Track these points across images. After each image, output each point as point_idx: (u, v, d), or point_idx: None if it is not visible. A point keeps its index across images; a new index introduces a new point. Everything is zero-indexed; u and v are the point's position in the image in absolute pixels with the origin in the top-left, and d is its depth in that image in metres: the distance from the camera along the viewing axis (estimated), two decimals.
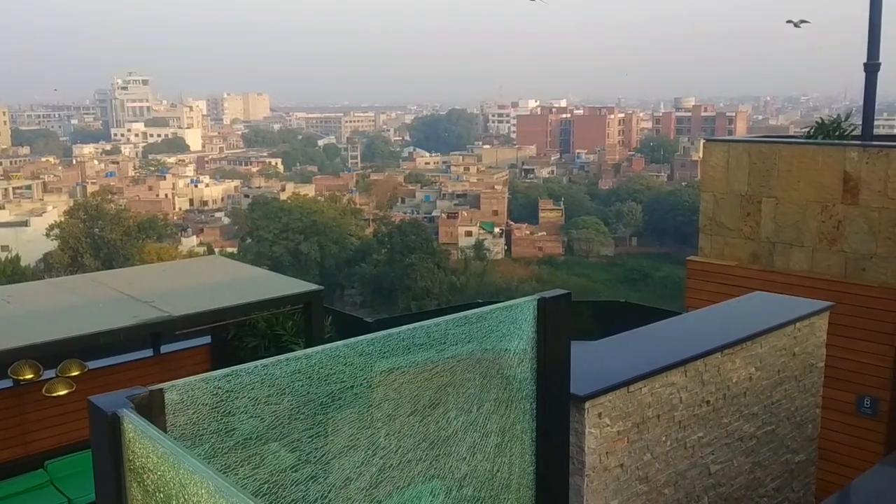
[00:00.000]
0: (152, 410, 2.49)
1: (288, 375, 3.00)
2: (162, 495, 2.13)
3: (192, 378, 2.67)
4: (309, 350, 3.14)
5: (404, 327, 3.48)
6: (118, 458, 2.34)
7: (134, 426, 2.28)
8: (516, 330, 3.94)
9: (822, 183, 10.32)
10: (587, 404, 4.47)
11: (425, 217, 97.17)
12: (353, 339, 3.30)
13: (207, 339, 10.31)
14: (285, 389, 2.99)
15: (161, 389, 2.54)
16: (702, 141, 15.07)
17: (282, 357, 3.03)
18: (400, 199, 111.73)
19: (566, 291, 4.14)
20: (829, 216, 10.28)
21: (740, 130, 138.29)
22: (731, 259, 11.35)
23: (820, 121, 11.79)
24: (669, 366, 4.96)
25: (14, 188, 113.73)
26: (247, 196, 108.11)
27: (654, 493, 4.94)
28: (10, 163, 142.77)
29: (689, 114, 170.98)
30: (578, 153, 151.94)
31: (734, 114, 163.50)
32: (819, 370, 6.45)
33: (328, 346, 3.21)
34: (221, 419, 2.72)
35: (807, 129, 12.24)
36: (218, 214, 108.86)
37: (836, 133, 11.37)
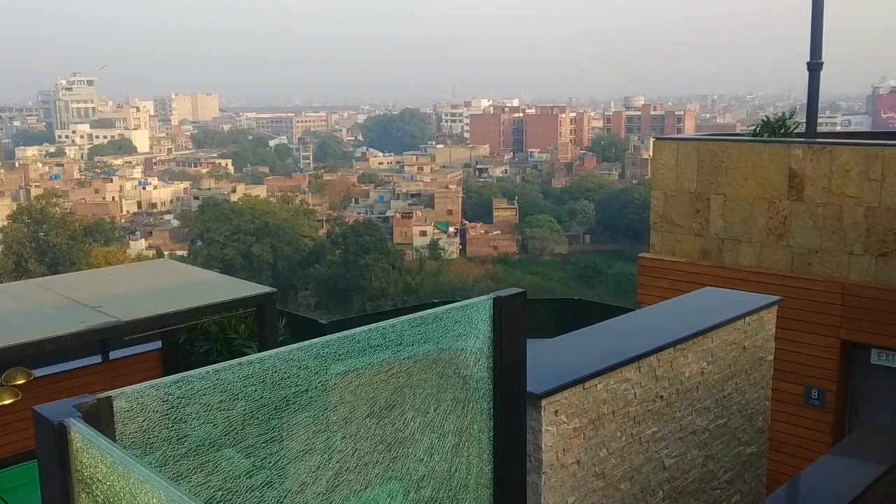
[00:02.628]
0: (100, 419, 2.42)
1: (241, 380, 2.95)
2: None
3: (141, 385, 2.60)
4: (262, 354, 3.09)
5: (359, 329, 3.44)
6: (65, 468, 2.27)
7: (81, 435, 2.21)
8: (472, 329, 3.93)
9: (768, 180, 10.54)
10: (543, 402, 4.49)
11: (379, 217, 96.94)
12: (307, 342, 3.25)
13: (158, 345, 10.13)
14: (238, 394, 2.93)
15: (109, 397, 2.47)
16: (652, 139, 15.27)
17: (234, 362, 2.97)
18: (353, 200, 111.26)
19: (522, 290, 4.14)
20: (776, 212, 10.51)
21: (689, 129, 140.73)
22: (682, 255, 11.53)
23: (766, 119, 12.04)
24: (624, 362, 5.01)
25: None
26: (196, 198, 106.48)
27: (610, 489, 4.98)
28: None
29: (639, 113, 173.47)
30: (531, 152, 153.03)
31: (682, 113, 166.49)
32: (769, 363, 6.58)
33: (282, 349, 3.16)
34: (173, 426, 2.66)
35: (753, 127, 12.49)
36: (167, 217, 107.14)
37: (782, 131, 11.63)
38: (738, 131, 26.30)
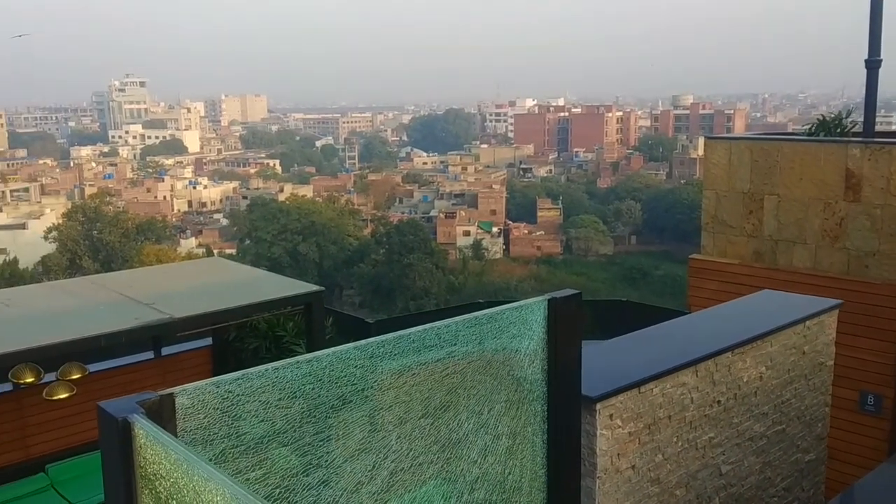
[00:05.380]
0: (163, 415, 2.43)
1: (298, 379, 2.95)
2: (175, 502, 2.08)
3: (202, 382, 2.62)
4: (319, 353, 3.09)
5: (415, 329, 3.42)
6: (129, 464, 2.29)
7: (145, 432, 2.22)
8: (527, 330, 3.88)
9: (824, 180, 10.28)
10: (598, 405, 4.42)
11: (423, 217, 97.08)
12: (363, 342, 3.24)
13: (208, 341, 10.25)
14: (295, 393, 2.93)
15: (172, 394, 2.49)
16: (702, 138, 15.05)
17: (292, 360, 2.97)
18: (398, 200, 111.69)
19: (577, 291, 4.09)
20: (832, 213, 10.25)
21: (738, 128, 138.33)
22: (734, 257, 11.31)
23: (821, 118, 11.76)
24: (680, 366, 4.91)
25: (11, 191, 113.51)
26: (245, 197, 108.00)
27: (665, 495, 4.89)
28: (7, 165, 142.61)
29: (688, 111, 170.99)
30: (576, 152, 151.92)
31: (732, 111, 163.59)
32: (828, 368, 6.41)
33: (338, 348, 3.15)
34: (232, 423, 2.66)
35: (806, 127, 12.21)
36: (216, 216, 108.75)
37: (838, 130, 11.35)
38: (790, 130, 25.77)
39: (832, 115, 11.77)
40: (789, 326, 5.82)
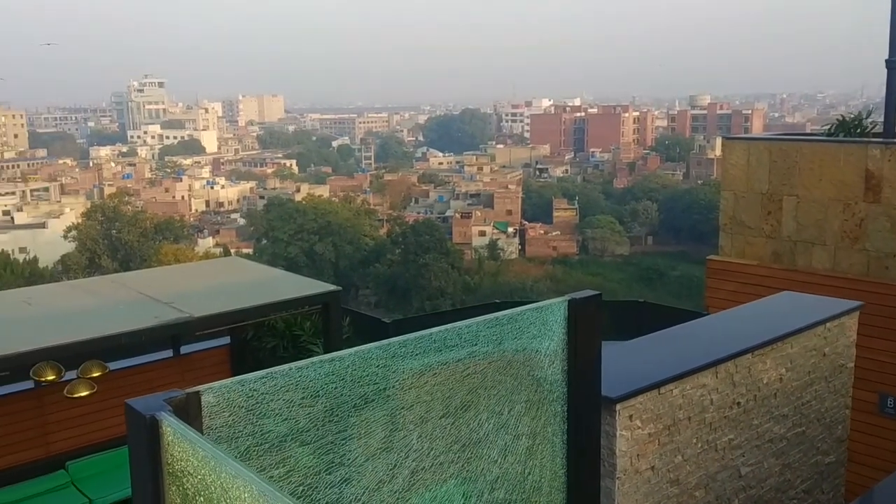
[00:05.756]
0: (189, 413, 2.46)
1: (321, 378, 2.97)
2: (202, 499, 2.10)
3: (227, 380, 2.64)
4: (341, 352, 3.11)
5: (436, 329, 3.44)
6: (156, 461, 2.31)
7: (173, 429, 2.25)
8: (547, 331, 3.89)
9: (843, 181, 10.21)
10: (618, 406, 4.42)
11: (439, 217, 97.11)
12: (384, 341, 3.26)
13: (226, 340, 10.30)
14: (318, 391, 2.95)
15: (198, 392, 2.52)
16: (719, 139, 14.97)
17: (314, 359, 3.00)
18: (413, 200, 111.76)
19: (596, 292, 4.09)
20: (852, 214, 10.18)
21: (756, 128, 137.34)
22: (752, 258, 11.25)
23: (841, 118, 11.68)
24: (700, 367, 4.90)
25: (32, 190, 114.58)
26: (262, 197, 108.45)
27: (685, 496, 4.88)
28: (28, 165, 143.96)
29: (705, 112, 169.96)
30: (593, 152, 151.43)
31: (750, 111, 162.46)
32: (849, 371, 6.37)
33: (360, 347, 3.18)
34: (257, 422, 2.69)
35: (826, 127, 12.13)
36: (234, 216, 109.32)
37: (858, 130, 11.27)
38: (808, 131, 25.60)
39: (852, 116, 11.69)
40: (810, 328, 5.79)
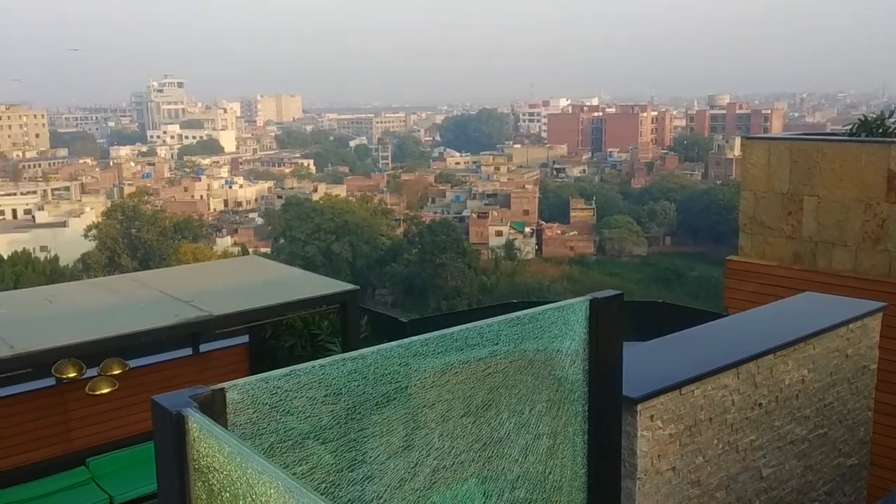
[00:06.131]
0: (214, 409, 2.48)
1: (343, 376, 2.98)
2: (228, 495, 2.12)
3: (251, 378, 2.66)
4: (363, 350, 3.12)
5: (457, 328, 3.44)
6: (182, 457, 2.33)
7: (199, 425, 2.26)
8: (568, 331, 3.89)
9: (865, 181, 10.11)
10: (639, 406, 4.40)
11: (456, 217, 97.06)
12: (406, 340, 3.27)
13: (245, 339, 10.35)
14: (341, 389, 2.97)
15: (223, 388, 2.53)
16: (739, 139, 14.87)
17: (337, 357, 3.01)
18: (430, 199, 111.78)
19: (618, 292, 4.08)
20: (873, 215, 10.08)
21: (776, 128, 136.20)
22: (772, 259, 11.16)
23: (863, 118, 11.56)
24: (722, 368, 4.87)
25: (53, 190, 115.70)
26: (280, 197, 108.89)
27: (705, 497, 4.85)
28: (49, 165, 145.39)
29: (724, 111, 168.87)
30: (610, 152, 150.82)
31: (770, 111, 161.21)
32: (871, 372, 6.31)
33: (382, 346, 3.19)
34: (280, 419, 2.71)
35: (847, 127, 12.01)
36: (252, 215, 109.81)
37: (880, 130, 11.14)
38: (828, 131, 25.36)
39: (874, 115, 11.56)
40: (832, 329, 5.73)
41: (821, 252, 10.70)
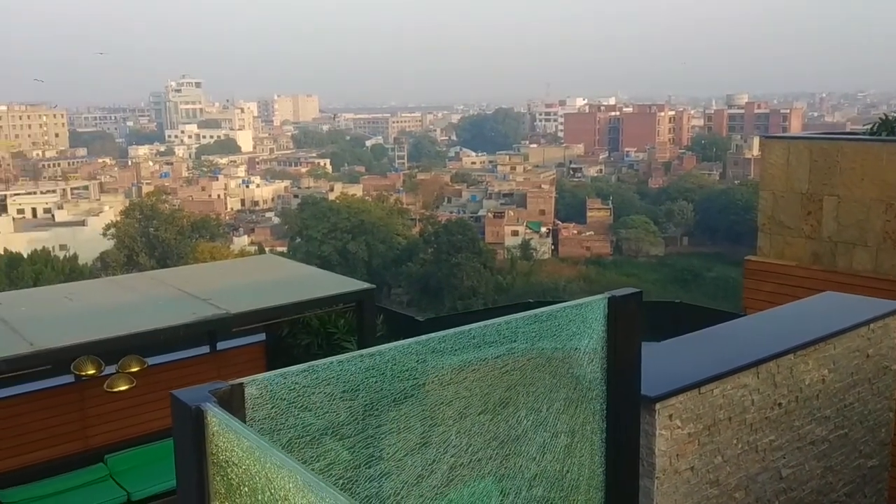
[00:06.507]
0: (233, 404, 2.48)
1: (361, 372, 2.98)
2: (247, 489, 2.12)
3: (270, 373, 2.66)
4: (381, 346, 3.12)
5: (474, 325, 3.44)
6: (201, 451, 2.34)
7: (218, 420, 2.27)
8: (586, 329, 3.87)
9: (886, 181, 10.01)
10: (658, 405, 4.37)
11: (471, 217, 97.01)
12: (423, 336, 3.27)
13: (262, 337, 10.39)
14: (358, 386, 2.97)
15: (241, 384, 2.54)
16: (757, 138, 14.77)
17: (355, 353, 3.01)
18: (446, 199, 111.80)
19: (637, 290, 4.05)
20: (894, 215, 9.97)
21: (795, 127, 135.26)
22: (791, 259, 11.07)
23: (883, 117, 11.45)
24: (741, 367, 4.83)
25: (72, 189, 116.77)
26: (296, 196, 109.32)
27: (724, 497, 4.82)
28: (68, 164, 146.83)
29: (742, 111, 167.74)
30: (628, 151, 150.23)
31: (789, 111, 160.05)
32: (893, 373, 6.24)
33: (399, 342, 3.18)
34: (298, 414, 2.71)
35: (867, 126, 11.90)
36: (268, 214, 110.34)
37: None
38: (848, 130, 25.14)
39: (894, 114, 11.45)
40: (853, 329, 5.68)
41: (840, 252, 10.60)
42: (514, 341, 3.56)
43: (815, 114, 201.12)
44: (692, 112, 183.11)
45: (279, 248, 78.02)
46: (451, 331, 3.36)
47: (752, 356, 4.97)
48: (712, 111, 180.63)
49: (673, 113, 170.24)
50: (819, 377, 5.44)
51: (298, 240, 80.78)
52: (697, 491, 4.66)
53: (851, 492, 5.94)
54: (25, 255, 61.12)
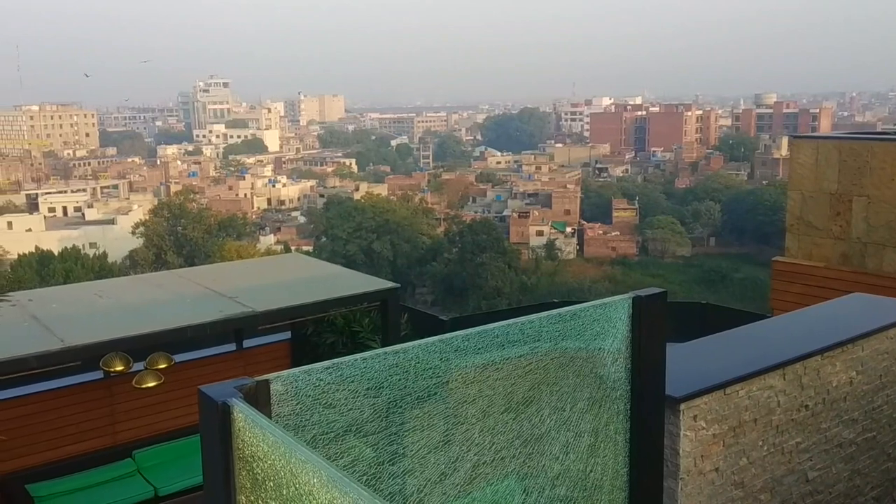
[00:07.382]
0: (259, 400, 2.51)
1: (385, 370, 3.00)
2: (272, 483, 2.15)
3: (295, 370, 2.69)
4: (405, 344, 3.14)
5: (498, 324, 3.44)
6: (227, 446, 2.37)
7: (244, 415, 2.30)
8: (610, 328, 3.86)
9: None
10: (682, 406, 4.35)
11: (496, 216, 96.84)
12: (447, 335, 3.28)
13: (287, 335, 10.46)
14: (382, 383, 2.99)
15: (267, 380, 2.57)
16: (786, 138, 14.59)
17: (379, 351, 3.03)
18: (471, 199, 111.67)
19: (662, 290, 4.04)
20: None
21: (824, 127, 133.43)
22: (820, 260, 10.95)
23: None
24: (767, 368, 4.78)
25: (102, 188, 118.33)
26: (322, 196, 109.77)
27: (749, 499, 4.78)
28: (98, 163, 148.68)
29: (771, 111, 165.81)
30: (654, 151, 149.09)
31: (818, 110, 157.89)
32: None
33: (423, 341, 3.20)
34: (322, 411, 2.73)
35: None
36: (294, 214, 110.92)
37: None
38: (879, 130, 24.78)
39: None
40: (882, 331, 5.60)
41: (870, 253, 10.46)
42: (538, 340, 3.57)
43: (846, 113, 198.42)
44: (720, 111, 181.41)
45: (305, 248, 78.37)
46: (475, 329, 3.37)
47: (778, 357, 4.92)
48: (740, 111, 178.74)
49: (700, 112, 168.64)
50: (847, 379, 5.38)
51: (324, 239, 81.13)
52: (722, 493, 4.63)
53: (879, 496, 5.87)
54: (56, 253, 61.97)
